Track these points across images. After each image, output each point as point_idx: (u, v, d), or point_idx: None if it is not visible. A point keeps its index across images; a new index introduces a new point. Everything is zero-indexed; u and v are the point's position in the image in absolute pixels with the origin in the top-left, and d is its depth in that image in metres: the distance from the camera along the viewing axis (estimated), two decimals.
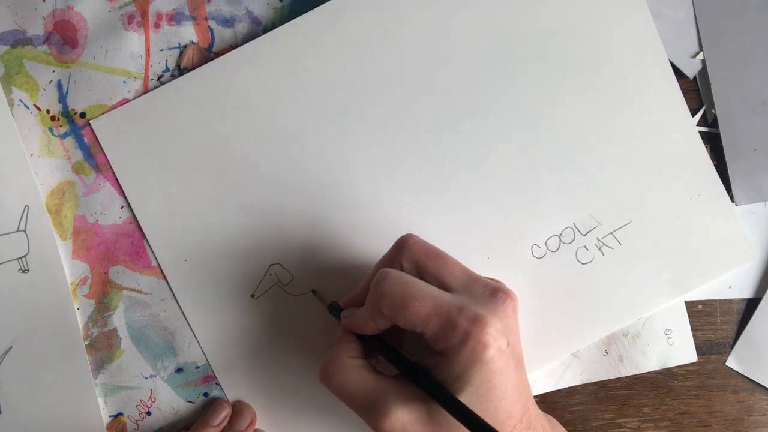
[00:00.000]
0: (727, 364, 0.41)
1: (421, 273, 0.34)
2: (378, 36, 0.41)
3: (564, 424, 0.41)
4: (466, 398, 0.30)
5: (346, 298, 0.37)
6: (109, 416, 0.41)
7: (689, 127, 0.41)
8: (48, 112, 0.41)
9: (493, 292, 0.33)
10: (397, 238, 0.36)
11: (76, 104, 0.41)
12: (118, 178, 0.41)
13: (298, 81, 0.41)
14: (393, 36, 0.41)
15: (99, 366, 0.41)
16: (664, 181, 0.41)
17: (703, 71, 0.42)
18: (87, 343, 0.41)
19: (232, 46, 0.41)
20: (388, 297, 0.32)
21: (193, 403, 0.41)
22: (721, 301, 0.41)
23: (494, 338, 0.30)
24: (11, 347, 0.40)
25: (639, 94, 0.41)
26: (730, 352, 0.41)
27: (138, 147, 0.41)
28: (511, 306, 0.33)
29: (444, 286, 0.33)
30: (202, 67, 0.41)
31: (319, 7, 0.41)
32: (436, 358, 0.32)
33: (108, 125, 0.41)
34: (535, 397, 0.41)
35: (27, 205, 0.41)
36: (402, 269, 0.34)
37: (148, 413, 0.41)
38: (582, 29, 0.41)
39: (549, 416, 0.37)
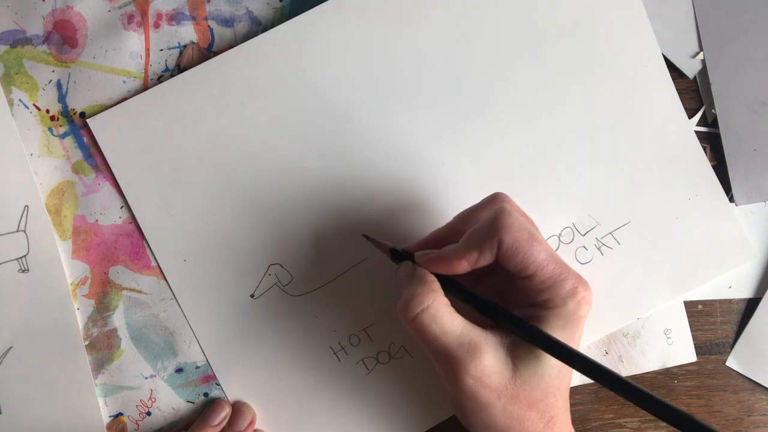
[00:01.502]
0: (727, 364, 0.41)
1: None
2: (377, 35, 0.41)
3: None
4: None
5: (416, 243, 0.36)
6: (109, 416, 0.41)
7: (686, 127, 0.41)
8: (48, 111, 0.41)
9: (576, 288, 0.33)
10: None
11: (76, 104, 0.41)
12: (116, 178, 0.41)
13: (298, 80, 0.41)
14: (392, 35, 0.41)
15: (99, 366, 0.41)
16: (663, 182, 0.41)
17: (703, 71, 0.42)
18: (87, 343, 0.41)
19: (232, 46, 0.41)
20: (515, 229, 0.31)
21: (193, 403, 0.41)
22: (721, 301, 0.41)
23: (591, 299, 0.32)
24: (11, 347, 0.40)
25: (636, 94, 0.41)
26: (730, 352, 0.41)
27: (136, 146, 0.41)
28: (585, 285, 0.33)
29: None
30: (200, 65, 0.41)
31: (319, 6, 0.41)
32: (528, 311, 0.32)
33: (105, 124, 0.41)
34: None
35: (27, 205, 0.41)
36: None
37: (148, 413, 0.41)
38: (580, 31, 0.41)
39: None
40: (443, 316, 0.31)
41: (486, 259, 0.32)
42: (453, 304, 0.33)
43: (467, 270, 0.32)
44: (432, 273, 0.33)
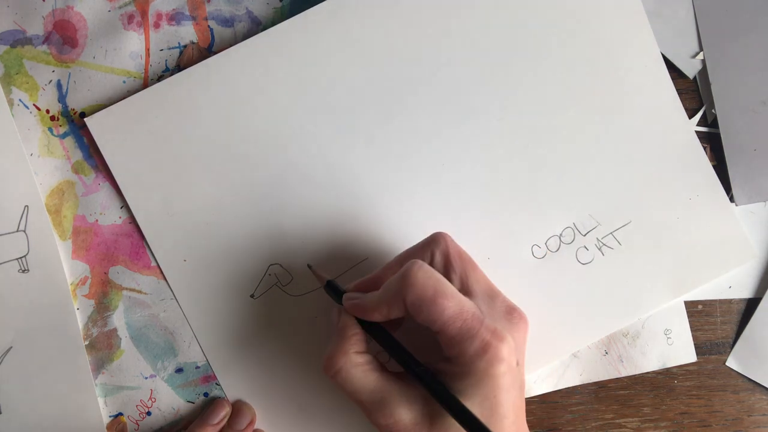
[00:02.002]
0: (727, 364, 0.41)
1: (448, 270, 0.34)
2: (377, 34, 0.41)
3: (564, 424, 0.41)
4: (470, 409, 0.30)
5: (356, 282, 0.36)
6: (109, 416, 0.41)
7: (687, 127, 0.41)
8: (48, 111, 0.41)
9: (510, 311, 0.33)
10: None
11: (76, 104, 0.41)
12: (115, 177, 0.41)
13: (297, 79, 0.41)
14: (392, 35, 0.41)
15: (99, 366, 0.41)
16: (663, 182, 0.41)
17: (703, 71, 0.42)
18: (87, 343, 0.41)
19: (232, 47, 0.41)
20: (419, 287, 0.31)
21: (193, 403, 0.41)
22: (721, 301, 0.41)
23: (508, 355, 0.30)
24: (11, 347, 0.40)
25: (636, 95, 0.41)
26: (730, 352, 0.41)
27: (134, 145, 0.41)
28: (524, 329, 0.33)
29: (467, 290, 0.33)
30: (199, 64, 0.40)
31: (318, 6, 0.41)
32: (443, 364, 0.32)
33: (103, 123, 0.41)
34: (535, 397, 0.41)
35: (27, 205, 0.41)
36: (432, 261, 0.34)
37: (148, 413, 0.41)
38: (579, 31, 0.41)
39: None
40: (354, 378, 0.33)
41: (396, 313, 0.32)
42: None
43: (384, 320, 0.33)
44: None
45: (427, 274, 0.31)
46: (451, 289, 0.31)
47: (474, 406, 0.30)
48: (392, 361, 0.34)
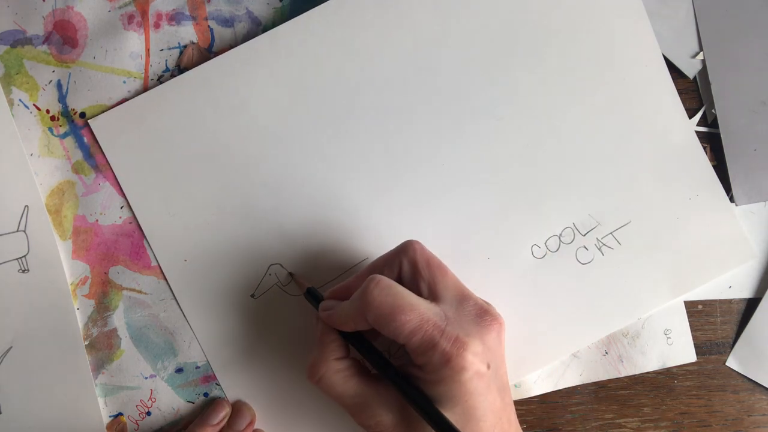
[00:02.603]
0: (727, 364, 0.41)
1: (416, 278, 0.34)
2: (378, 35, 0.41)
3: (564, 424, 0.41)
4: (446, 414, 0.31)
5: (332, 289, 0.37)
6: (109, 416, 0.41)
7: (687, 127, 0.41)
8: (48, 112, 0.41)
9: (481, 314, 0.33)
10: (397, 238, 0.36)
11: (76, 104, 0.41)
12: (118, 178, 0.41)
13: (298, 80, 0.41)
14: (393, 35, 0.41)
15: (99, 366, 0.41)
16: (663, 182, 0.41)
17: (703, 71, 0.42)
18: (87, 343, 0.41)
19: (232, 46, 0.41)
20: (375, 306, 0.32)
21: (193, 403, 0.41)
22: (721, 301, 0.41)
23: (472, 362, 0.31)
24: (11, 347, 0.40)
25: (636, 94, 0.41)
26: (730, 352, 0.41)
27: (137, 146, 0.41)
28: (496, 330, 0.33)
29: (435, 296, 0.33)
30: (201, 66, 0.41)
31: (319, 7, 0.41)
32: (417, 371, 0.32)
33: (107, 125, 0.41)
34: (535, 397, 0.41)
35: (27, 205, 0.41)
36: (400, 270, 0.34)
37: (148, 413, 0.41)
38: (580, 31, 0.41)
39: None
40: (335, 384, 0.34)
41: (362, 327, 0.33)
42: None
43: (357, 330, 0.34)
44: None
45: (384, 292, 0.32)
46: (409, 301, 0.32)
47: (448, 410, 0.31)
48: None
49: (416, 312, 0.31)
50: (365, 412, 0.33)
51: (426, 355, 0.31)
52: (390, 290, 0.32)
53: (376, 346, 0.35)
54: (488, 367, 0.32)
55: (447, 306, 0.33)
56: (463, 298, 0.34)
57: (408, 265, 0.34)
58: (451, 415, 0.30)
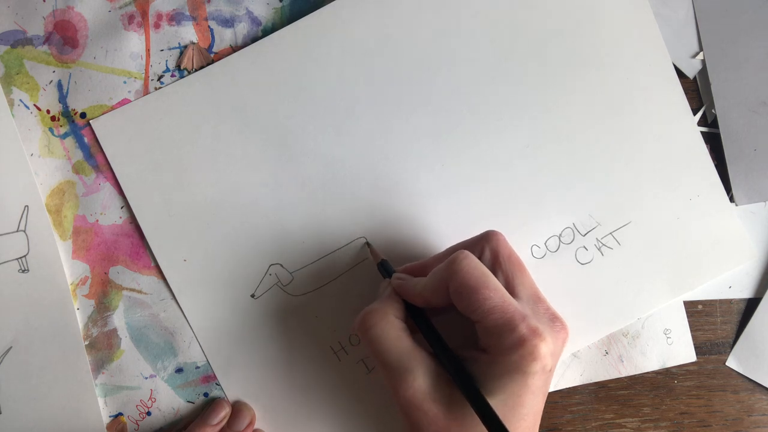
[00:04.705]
0: (727, 364, 0.41)
1: (495, 268, 0.34)
2: (378, 37, 0.41)
3: (564, 424, 0.41)
4: (492, 404, 0.30)
5: (405, 266, 0.37)
6: (109, 416, 0.41)
7: (690, 127, 0.41)
8: (48, 112, 0.41)
9: (553, 318, 0.33)
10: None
11: (77, 104, 0.41)
12: (118, 179, 0.41)
13: (299, 82, 0.41)
14: (393, 36, 0.41)
15: (99, 366, 0.41)
16: (664, 182, 0.41)
17: (703, 71, 0.42)
18: (87, 343, 0.41)
19: (232, 46, 0.41)
20: (462, 276, 0.31)
21: (193, 403, 0.41)
22: (721, 301, 0.41)
23: (544, 355, 0.30)
24: (11, 347, 0.40)
25: (640, 94, 0.41)
26: (730, 352, 0.41)
27: (138, 147, 0.41)
28: (563, 338, 0.33)
29: (512, 291, 0.33)
30: (202, 69, 0.41)
31: (320, 10, 0.41)
32: (475, 354, 0.32)
33: (108, 125, 0.41)
34: None
35: (27, 205, 0.41)
36: (480, 257, 0.34)
37: (148, 413, 0.41)
38: (583, 29, 0.41)
39: None
40: (389, 337, 0.33)
41: (437, 301, 0.33)
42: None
43: (425, 305, 0.34)
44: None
45: (472, 265, 0.32)
46: (495, 282, 0.32)
47: (496, 402, 0.30)
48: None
49: (500, 292, 0.31)
50: (404, 375, 0.32)
51: (500, 336, 0.30)
52: (478, 266, 0.32)
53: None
54: (551, 369, 0.31)
55: (523, 303, 0.33)
56: (538, 299, 0.34)
57: (489, 254, 0.34)
58: (499, 406, 0.30)
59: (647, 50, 0.41)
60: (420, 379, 0.32)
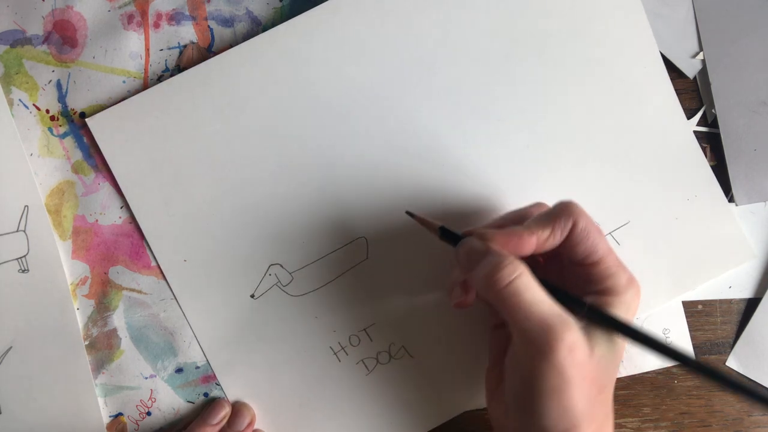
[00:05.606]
0: (727, 364, 0.41)
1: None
2: (377, 35, 0.41)
3: None
4: None
5: (475, 228, 0.35)
6: (109, 416, 0.41)
7: (685, 128, 0.41)
8: (47, 111, 0.41)
9: (633, 278, 0.34)
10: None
11: (76, 104, 0.41)
12: (116, 177, 0.41)
13: (297, 79, 0.41)
14: (392, 35, 0.41)
15: (99, 366, 0.41)
16: (662, 182, 0.41)
17: (703, 71, 0.42)
18: (87, 343, 0.41)
19: (232, 47, 0.41)
20: (585, 218, 0.33)
21: (193, 403, 0.41)
22: (721, 301, 0.41)
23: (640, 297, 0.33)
24: (11, 347, 0.40)
25: (635, 95, 0.41)
26: (730, 352, 0.41)
27: (135, 146, 0.41)
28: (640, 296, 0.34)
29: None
30: (199, 65, 0.41)
31: (318, 6, 0.41)
32: (590, 297, 0.33)
33: (104, 123, 0.41)
34: None
35: (27, 205, 0.41)
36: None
37: (148, 413, 0.41)
38: (579, 32, 0.41)
39: None
40: (536, 286, 0.30)
41: (555, 239, 0.33)
42: None
43: (532, 250, 0.32)
44: None
45: (583, 209, 0.33)
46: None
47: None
48: None
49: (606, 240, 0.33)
50: (566, 326, 0.29)
51: (618, 275, 0.33)
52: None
53: None
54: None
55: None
56: (620, 262, 0.34)
57: (582, 221, 0.33)
58: None
59: (640, 51, 0.41)
60: (576, 329, 0.29)
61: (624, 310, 0.32)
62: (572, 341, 0.29)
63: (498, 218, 0.37)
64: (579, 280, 0.34)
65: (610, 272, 0.33)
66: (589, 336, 0.31)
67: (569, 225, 0.33)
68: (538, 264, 0.37)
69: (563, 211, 0.33)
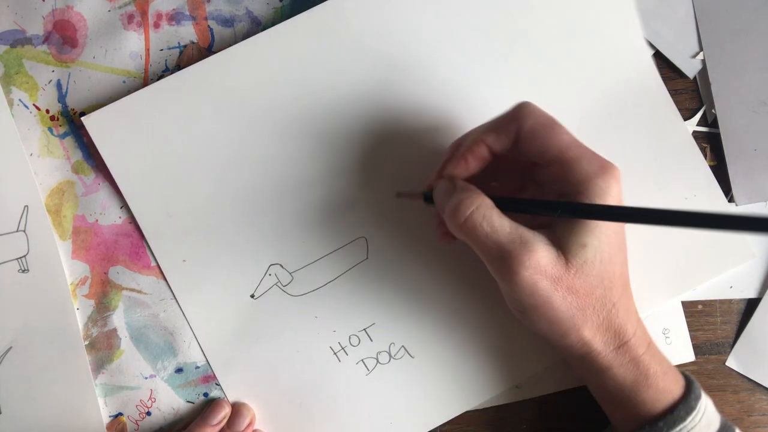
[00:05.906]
0: (727, 364, 0.41)
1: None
2: (376, 34, 0.41)
3: (564, 425, 0.41)
4: None
5: (438, 168, 0.36)
6: (109, 416, 0.41)
7: (683, 128, 0.41)
8: (47, 111, 0.41)
9: (606, 164, 0.32)
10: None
11: (76, 104, 0.41)
12: (114, 177, 0.41)
13: (297, 79, 0.41)
14: (390, 34, 0.41)
15: (99, 366, 0.41)
16: (660, 182, 0.41)
17: (703, 71, 0.42)
18: (87, 343, 0.41)
19: None
20: (536, 115, 0.32)
21: (193, 403, 0.41)
22: (721, 301, 0.41)
23: (620, 180, 0.32)
24: (11, 347, 0.40)
25: (631, 97, 0.41)
26: (730, 352, 0.41)
27: (133, 144, 0.41)
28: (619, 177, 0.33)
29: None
30: (198, 63, 0.40)
31: (318, 6, 0.41)
32: (566, 198, 0.32)
33: (101, 122, 0.40)
34: (535, 397, 0.41)
35: (27, 205, 0.41)
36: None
37: (148, 413, 0.41)
38: (573, 35, 0.41)
39: None
40: (492, 216, 0.32)
41: (503, 142, 0.33)
42: None
43: (488, 156, 0.33)
44: None
45: (542, 111, 0.32)
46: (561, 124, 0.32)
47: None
48: None
49: (568, 133, 0.32)
50: (525, 248, 0.30)
51: (582, 165, 0.31)
52: (546, 112, 0.32)
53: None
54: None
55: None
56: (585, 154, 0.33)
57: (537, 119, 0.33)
58: None
59: (632, 54, 0.41)
60: (539, 248, 0.31)
61: (599, 195, 0.31)
62: (535, 260, 0.30)
63: (464, 135, 0.36)
64: (546, 183, 0.33)
65: (571, 167, 0.31)
66: (562, 248, 0.31)
67: (514, 128, 0.32)
68: (518, 186, 0.37)
69: (509, 112, 0.33)
